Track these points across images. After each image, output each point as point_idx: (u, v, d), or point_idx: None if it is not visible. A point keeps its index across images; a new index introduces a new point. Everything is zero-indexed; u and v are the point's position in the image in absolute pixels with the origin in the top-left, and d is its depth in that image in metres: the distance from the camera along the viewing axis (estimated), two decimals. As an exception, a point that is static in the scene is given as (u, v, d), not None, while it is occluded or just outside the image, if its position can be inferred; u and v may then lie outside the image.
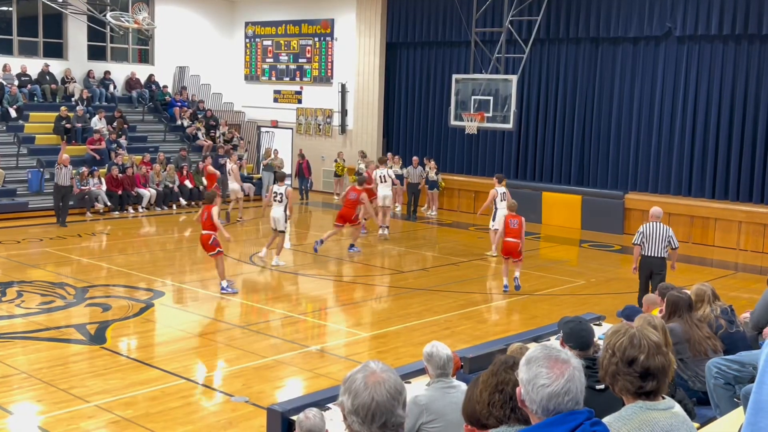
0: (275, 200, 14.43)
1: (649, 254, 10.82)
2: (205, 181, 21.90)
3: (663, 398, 2.83)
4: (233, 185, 19.31)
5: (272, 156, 23.23)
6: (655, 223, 10.88)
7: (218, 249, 12.42)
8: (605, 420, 2.62)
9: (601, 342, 4.45)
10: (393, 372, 2.33)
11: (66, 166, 17.94)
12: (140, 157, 21.65)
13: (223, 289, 12.44)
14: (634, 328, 2.89)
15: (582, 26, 19.97)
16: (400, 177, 20.18)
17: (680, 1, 18.33)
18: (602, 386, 3.73)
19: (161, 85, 25.29)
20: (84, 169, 19.87)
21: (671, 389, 4.97)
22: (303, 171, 23.62)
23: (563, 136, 20.87)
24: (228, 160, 20.44)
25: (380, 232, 17.55)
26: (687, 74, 18.74)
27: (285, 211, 14.31)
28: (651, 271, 10.86)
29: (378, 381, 2.29)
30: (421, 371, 5.95)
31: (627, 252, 16.99)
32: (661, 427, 2.73)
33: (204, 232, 12.44)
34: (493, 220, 15.60)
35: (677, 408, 2.82)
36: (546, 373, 2.38)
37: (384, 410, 2.26)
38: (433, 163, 21.03)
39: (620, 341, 2.83)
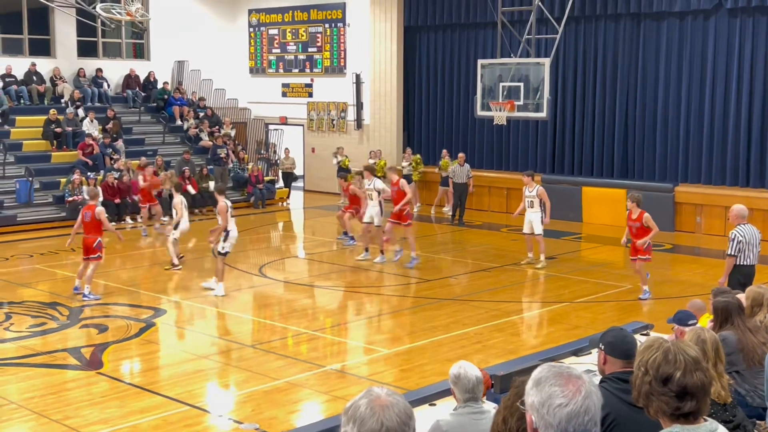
0: (529, 206, 15.11)
1: (744, 263, 10.25)
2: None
3: (705, 420, 2.79)
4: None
5: (284, 156, 23.49)
6: (746, 225, 10.39)
7: (100, 254, 12.75)
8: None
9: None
10: (400, 396, 2.33)
11: None
12: (137, 161, 21.78)
13: (85, 296, 12.72)
14: (669, 341, 2.85)
15: (621, 1, 19.84)
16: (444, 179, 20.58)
17: (731, -30, 18.19)
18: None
19: (162, 82, 25.46)
20: (75, 177, 19.91)
21: (731, 411, 4.91)
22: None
23: (604, 125, 20.74)
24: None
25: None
26: (741, 51, 18.55)
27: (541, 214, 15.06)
28: (746, 284, 9.42)
29: (385, 405, 2.28)
30: (449, 391, 5.92)
31: (678, 251, 16.85)
32: (703, 455, 2.69)
33: (88, 235, 12.69)
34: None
35: (721, 430, 2.78)
36: (561, 392, 2.36)
37: (395, 436, 2.25)
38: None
39: (653, 357, 2.80)
